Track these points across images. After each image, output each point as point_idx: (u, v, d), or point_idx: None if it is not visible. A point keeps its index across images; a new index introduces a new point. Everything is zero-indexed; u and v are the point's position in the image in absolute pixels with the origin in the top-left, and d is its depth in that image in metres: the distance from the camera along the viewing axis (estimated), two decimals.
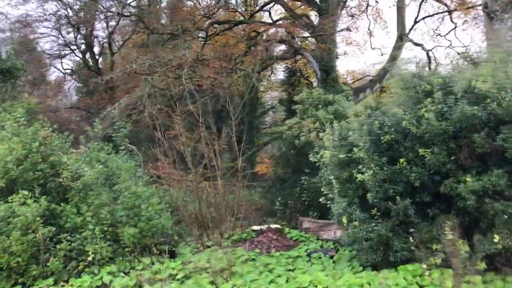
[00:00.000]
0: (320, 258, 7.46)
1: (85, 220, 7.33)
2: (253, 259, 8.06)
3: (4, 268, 6.44)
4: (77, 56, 22.54)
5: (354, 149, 5.80)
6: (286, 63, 25.34)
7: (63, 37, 21.08)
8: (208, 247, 9.21)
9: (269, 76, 25.68)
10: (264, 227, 10.17)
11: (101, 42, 22.57)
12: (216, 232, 9.84)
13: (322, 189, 7.66)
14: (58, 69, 24.22)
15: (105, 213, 7.37)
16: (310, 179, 10.86)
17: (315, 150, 8.49)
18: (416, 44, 21.13)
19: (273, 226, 10.26)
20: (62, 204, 7.51)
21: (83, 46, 23.98)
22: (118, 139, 9.52)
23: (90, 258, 6.61)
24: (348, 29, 19.22)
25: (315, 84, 27.21)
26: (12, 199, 6.89)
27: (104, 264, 6.99)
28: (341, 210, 5.87)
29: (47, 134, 8.28)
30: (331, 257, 7.56)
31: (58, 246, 6.80)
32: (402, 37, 20.81)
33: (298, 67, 25.84)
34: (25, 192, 6.91)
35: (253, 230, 10.09)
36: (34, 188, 7.41)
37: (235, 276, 5.99)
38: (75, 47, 23.57)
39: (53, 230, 6.87)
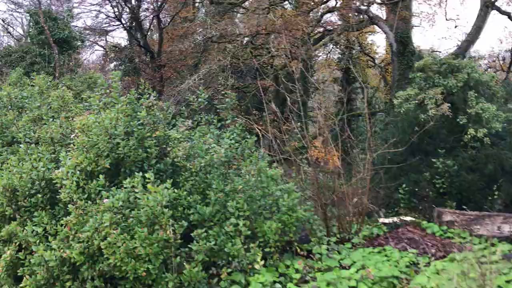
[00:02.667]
0: None
1: (213, 211, 5.59)
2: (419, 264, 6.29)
3: (130, 277, 4.73)
4: (127, 30, 20.73)
5: None
6: (347, 38, 23.22)
7: (113, 8, 19.29)
8: (335, 243, 7.43)
9: (329, 53, 23.60)
10: (396, 219, 8.34)
11: (150, 16, 20.75)
12: (341, 226, 8.05)
13: None
14: (102, 47, 22.55)
15: (242, 202, 5.59)
16: (445, 161, 8.94)
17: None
18: (503, 13, 18.86)
19: (407, 218, 8.41)
20: (175, 191, 5.74)
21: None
22: (223, 111, 7.74)
23: (258, 266, 4.84)
24: None
25: (376, 61, 25.17)
26: (130, 182, 5.15)
27: (249, 271, 5.25)
28: None
29: (152, 102, 6.51)
30: None
31: (193, 247, 5.07)
32: (487, 5, 18.52)
33: (360, 42, 23.73)
34: (147, 175, 5.15)
35: (384, 224, 8.27)
36: (144, 170, 5.70)
37: None
38: (120, 23, 21.84)
39: (185, 225, 5.14)
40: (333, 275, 5.04)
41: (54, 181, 5.56)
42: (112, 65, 26.66)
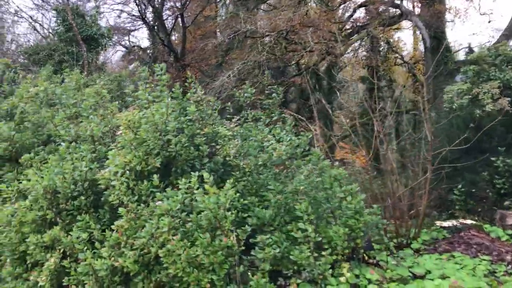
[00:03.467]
0: None
1: (273, 214, 5.06)
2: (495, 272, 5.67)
3: None
4: (151, 29, 20.36)
5: None
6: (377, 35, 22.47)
7: (137, 6, 18.90)
8: (395, 249, 6.82)
9: (356, 50, 22.84)
10: (455, 223, 7.72)
11: (175, 14, 20.31)
12: (398, 230, 7.46)
13: None
14: (124, 47, 22.22)
15: (306, 204, 5.04)
16: (505, 159, 8.28)
17: None
18: None
19: (468, 222, 7.78)
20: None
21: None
22: (269, 107, 7.22)
23: (343, 278, 4.29)
24: None
25: (406, 58, 24.33)
26: (186, 183, 4.64)
27: (321, 282, 4.69)
28: None
29: (200, 96, 6.01)
30: None
31: (259, 255, 4.53)
32: None
33: (387, 38, 22.92)
34: (205, 174, 4.63)
35: (442, 227, 7.65)
36: (196, 169, 5.20)
37: None
38: (142, 22, 21.49)
39: (249, 230, 4.61)
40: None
41: (98, 182, 5.10)
42: (131, 67, 26.33)
